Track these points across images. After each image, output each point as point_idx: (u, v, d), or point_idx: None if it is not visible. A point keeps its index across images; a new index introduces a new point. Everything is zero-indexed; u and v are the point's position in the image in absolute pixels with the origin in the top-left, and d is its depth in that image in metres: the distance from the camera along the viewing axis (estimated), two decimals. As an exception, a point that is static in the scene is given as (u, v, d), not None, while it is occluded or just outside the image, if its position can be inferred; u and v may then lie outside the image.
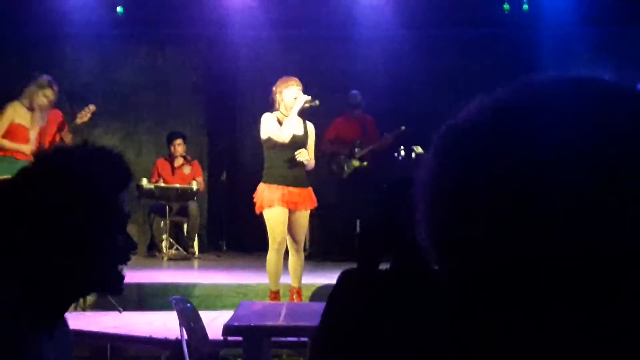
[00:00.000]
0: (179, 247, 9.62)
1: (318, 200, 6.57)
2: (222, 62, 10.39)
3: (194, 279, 7.80)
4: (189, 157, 9.92)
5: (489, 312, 0.67)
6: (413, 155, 8.89)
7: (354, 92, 9.59)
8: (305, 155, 6.32)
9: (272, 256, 6.27)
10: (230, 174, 10.49)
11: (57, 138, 7.28)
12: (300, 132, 6.42)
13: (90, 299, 6.70)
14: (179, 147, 9.82)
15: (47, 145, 7.03)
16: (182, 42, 10.35)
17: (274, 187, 6.30)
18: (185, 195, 9.46)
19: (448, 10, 9.79)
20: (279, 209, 6.23)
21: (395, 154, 9.18)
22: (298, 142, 6.36)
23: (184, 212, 9.63)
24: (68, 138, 7.29)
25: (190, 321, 4.18)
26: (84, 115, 7.40)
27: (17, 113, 7.17)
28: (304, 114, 6.44)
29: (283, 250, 6.31)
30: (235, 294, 6.99)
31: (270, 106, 6.46)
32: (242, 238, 10.12)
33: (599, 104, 0.67)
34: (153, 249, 9.86)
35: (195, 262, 9.42)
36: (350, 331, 2.48)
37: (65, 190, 1.58)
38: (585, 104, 0.67)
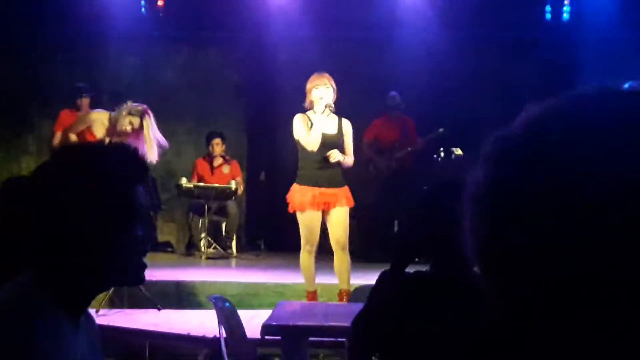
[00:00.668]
0: (218, 246, 9.67)
1: (356, 200, 6.45)
2: (262, 62, 10.43)
3: (232, 277, 7.83)
4: (227, 157, 9.98)
5: (553, 320, 0.65)
6: (452, 157, 8.85)
7: (393, 93, 9.58)
8: (338, 156, 6.19)
9: (304, 258, 6.24)
10: (269, 174, 10.54)
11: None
12: (333, 130, 6.30)
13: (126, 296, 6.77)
14: (217, 146, 9.87)
15: None
16: (223, 43, 10.41)
17: (305, 188, 6.22)
18: (224, 194, 9.52)
19: (489, 12, 9.75)
20: (310, 213, 6.17)
21: (435, 156, 9.15)
22: (331, 142, 6.24)
23: (222, 211, 9.68)
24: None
25: (229, 320, 4.20)
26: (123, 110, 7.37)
27: (99, 123, 6.97)
28: (338, 111, 6.30)
29: (314, 252, 6.24)
30: (272, 294, 7.01)
31: (304, 105, 6.34)
32: (280, 238, 10.14)
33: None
34: (192, 247, 9.93)
35: (233, 261, 9.47)
36: (385, 331, 2.49)
37: (79, 185, 1.59)
38: (629, 119, 0.65)
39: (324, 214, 6.25)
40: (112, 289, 6.43)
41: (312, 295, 6.34)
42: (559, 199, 0.63)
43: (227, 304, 4.40)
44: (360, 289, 6.34)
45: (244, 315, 4.76)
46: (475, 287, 2.60)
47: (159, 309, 6.63)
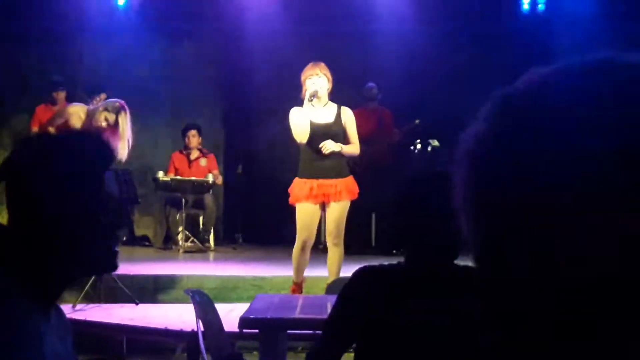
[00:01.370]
0: (195, 240, 9.65)
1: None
2: (239, 56, 10.39)
3: (210, 271, 7.82)
4: (205, 150, 9.95)
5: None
6: (429, 148, 8.88)
7: (370, 84, 9.58)
8: (332, 146, 6.08)
9: (296, 250, 6.16)
10: (246, 167, 10.51)
11: None
12: (329, 119, 6.20)
13: (104, 290, 6.74)
14: (193, 138, 9.84)
15: None
16: (200, 36, 10.37)
17: (303, 181, 6.15)
18: (201, 187, 9.49)
19: (466, 4, 9.77)
20: (306, 205, 6.10)
21: (412, 147, 9.17)
22: (328, 132, 6.14)
23: (200, 204, 9.65)
24: None
25: (207, 313, 4.19)
26: (96, 103, 7.35)
27: (76, 116, 7.01)
28: (336, 100, 6.23)
29: (309, 246, 6.17)
30: (250, 287, 7.01)
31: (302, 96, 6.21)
32: (257, 231, 10.15)
33: (615, 87, 0.65)
34: (169, 241, 9.91)
35: (211, 255, 9.45)
36: (362, 325, 2.49)
37: (45, 171, 1.57)
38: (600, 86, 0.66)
39: (324, 205, 6.18)
40: (89, 284, 6.40)
41: (296, 287, 6.28)
42: (561, 154, 0.63)
43: (205, 297, 4.39)
44: (337, 281, 6.33)
45: (221, 308, 4.75)
46: (454, 280, 2.60)
47: (137, 304, 6.60)
